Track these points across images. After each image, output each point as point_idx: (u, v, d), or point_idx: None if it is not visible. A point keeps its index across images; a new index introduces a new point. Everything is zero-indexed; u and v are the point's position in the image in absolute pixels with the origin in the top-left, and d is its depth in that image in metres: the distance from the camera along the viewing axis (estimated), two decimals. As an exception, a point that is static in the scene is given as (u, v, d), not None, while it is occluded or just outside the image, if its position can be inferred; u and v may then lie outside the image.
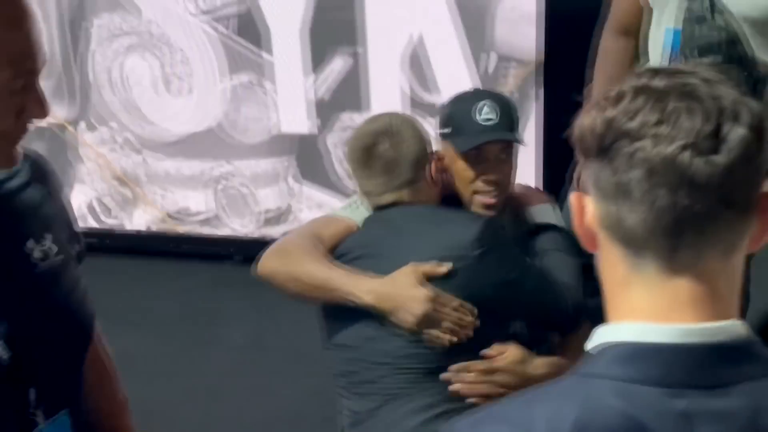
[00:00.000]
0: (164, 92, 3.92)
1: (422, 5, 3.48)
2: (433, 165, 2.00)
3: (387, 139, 1.95)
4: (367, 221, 2.01)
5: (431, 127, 3.51)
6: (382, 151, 1.94)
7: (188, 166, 4.01)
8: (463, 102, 2.08)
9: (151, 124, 3.99)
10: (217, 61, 3.80)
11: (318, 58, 3.67)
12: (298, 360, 3.25)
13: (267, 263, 1.99)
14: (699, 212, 0.86)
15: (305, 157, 3.85)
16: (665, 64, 2.58)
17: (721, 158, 0.86)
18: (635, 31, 2.66)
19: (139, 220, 4.17)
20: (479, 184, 2.02)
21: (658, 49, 2.58)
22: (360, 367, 1.93)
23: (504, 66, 3.48)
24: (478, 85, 3.47)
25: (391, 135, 1.95)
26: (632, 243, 0.90)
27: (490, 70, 3.49)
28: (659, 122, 0.86)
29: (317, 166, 3.84)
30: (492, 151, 2.01)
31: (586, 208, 0.94)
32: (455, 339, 1.83)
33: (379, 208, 1.99)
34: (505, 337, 1.92)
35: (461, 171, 2.03)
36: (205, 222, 4.08)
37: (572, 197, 0.96)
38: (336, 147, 3.78)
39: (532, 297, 1.94)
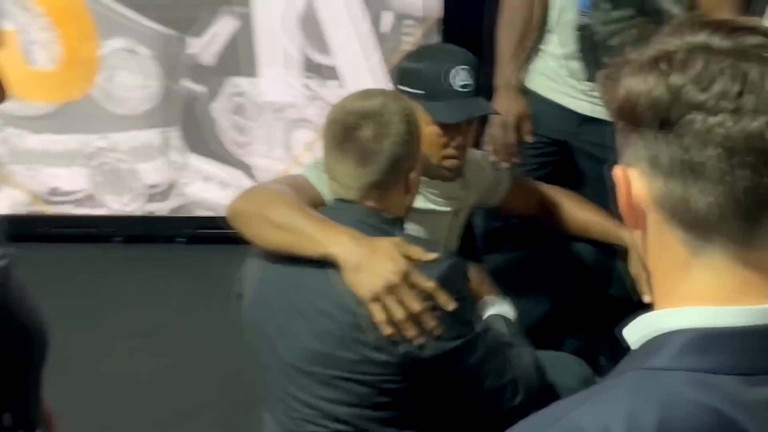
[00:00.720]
0: (27, 61, 3.57)
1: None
2: (413, 174, 1.77)
3: (372, 125, 1.68)
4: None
5: (329, 91, 3.38)
6: (362, 137, 1.68)
7: (57, 142, 3.67)
8: (437, 63, 1.97)
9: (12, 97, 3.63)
10: (86, 25, 3.48)
11: (201, 19, 3.42)
12: (205, 343, 3.04)
13: (236, 202, 1.81)
14: None
15: (190, 126, 3.59)
16: (576, 15, 2.50)
17: None
18: None
19: (3, 204, 3.80)
20: (450, 150, 1.97)
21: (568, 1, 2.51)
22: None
23: (401, 24, 3.34)
24: (374, 45, 3.33)
25: (379, 122, 1.69)
26: (699, 226, 0.80)
27: (387, 29, 3.34)
28: (740, 94, 0.76)
29: (203, 135, 3.59)
30: (470, 120, 1.98)
31: (633, 184, 0.83)
32: (392, 333, 1.59)
33: (338, 200, 1.75)
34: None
35: (433, 136, 1.95)
36: (80, 202, 3.76)
37: (617, 170, 0.85)
38: (222, 115, 3.55)
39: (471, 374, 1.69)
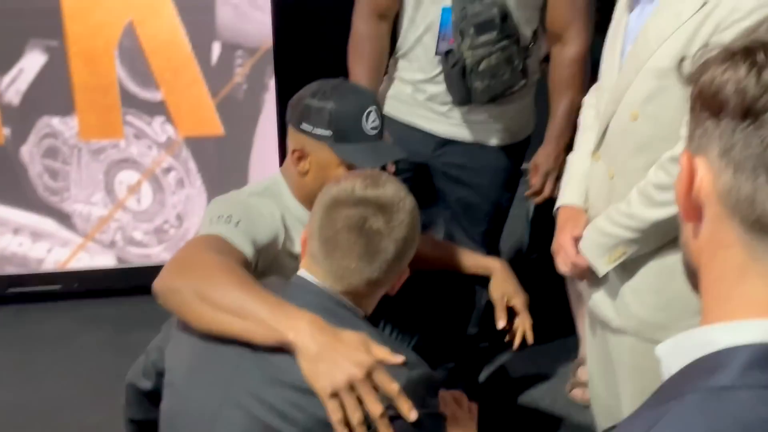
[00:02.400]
0: None
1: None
2: (401, 276, 1.61)
3: (382, 216, 1.52)
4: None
5: (156, 129, 3.14)
6: (370, 229, 1.52)
7: None
8: (348, 103, 1.87)
9: None
10: None
11: (4, 54, 3.08)
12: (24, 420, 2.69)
13: (166, 276, 1.57)
14: None
15: (-5, 173, 3.22)
16: (435, 41, 2.47)
17: None
18: (391, 15, 2.54)
19: None
20: None
21: (430, 24, 2.47)
22: None
23: (230, 55, 3.15)
24: (203, 77, 3.12)
25: (388, 213, 1.53)
26: (763, 229, 0.75)
27: (214, 60, 3.14)
28: None
29: (11, 182, 3.23)
30: None
31: (698, 174, 0.78)
32: None
33: (302, 278, 1.56)
34: None
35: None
36: None
37: (682, 156, 0.80)
38: (33, 159, 3.21)
39: None
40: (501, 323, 2.13)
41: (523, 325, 2.14)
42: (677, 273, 1.91)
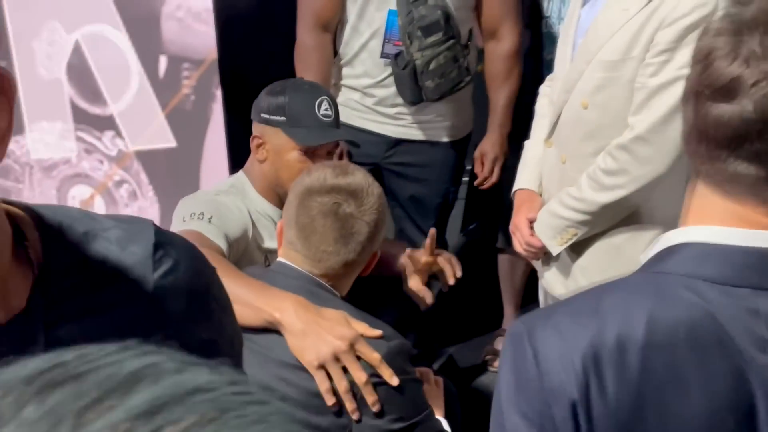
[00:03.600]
0: None
1: (76, 7, 3.10)
2: (374, 257, 1.75)
3: (353, 201, 1.66)
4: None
5: (107, 143, 3.21)
6: (347, 214, 1.66)
7: None
8: (302, 93, 2.07)
9: None
10: None
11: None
12: None
13: None
14: None
15: (-54, 195, 3.24)
16: (381, 45, 2.59)
17: None
18: (334, 25, 2.66)
19: None
20: None
21: (377, 30, 2.60)
22: None
23: (176, 67, 3.23)
24: (151, 90, 3.19)
25: (361, 200, 1.67)
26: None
27: (162, 73, 3.22)
28: None
29: (-37, 204, 3.25)
30: (327, 146, 2.07)
31: None
32: (334, 403, 1.55)
33: (283, 264, 1.67)
34: None
35: (294, 162, 2.02)
36: None
37: None
38: (-15, 181, 3.24)
39: None
40: (429, 300, 2.20)
41: (448, 256, 2.23)
42: (623, 252, 2.11)
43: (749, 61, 0.90)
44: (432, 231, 2.19)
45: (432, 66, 2.51)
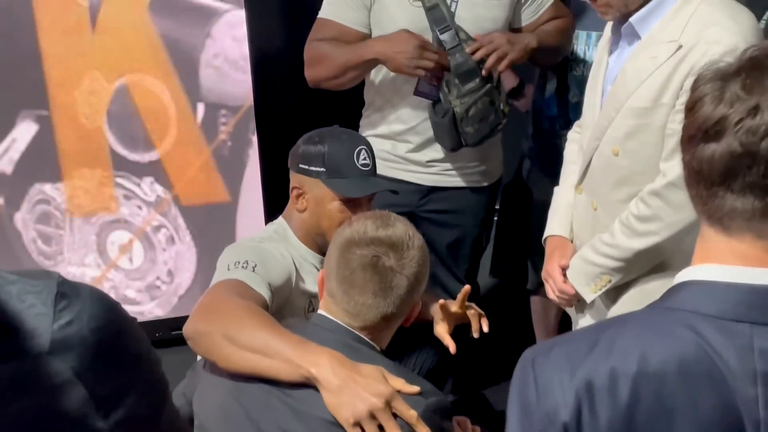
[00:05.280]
0: None
1: (121, 56, 3.18)
2: (417, 307, 1.74)
3: (393, 255, 1.65)
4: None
5: (148, 188, 3.25)
6: (387, 267, 1.64)
7: None
8: (340, 143, 2.05)
9: None
10: None
11: (-3, 125, 3.18)
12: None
13: (195, 320, 1.69)
14: None
15: (-10, 241, 3.30)
16: (416, 83, 2.59)
17: None
18: None
19: None
20: None
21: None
22: None
23: (214, 114, 3.28)
24: (193, 137, 3.25)
25: (402, 253, 1.65)
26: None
27: (200, 119, 3.28)
28: None
29: (6, 248, 3.30)
30: (368, 196, 2.05)
31: None
32: None
33: (322, 317, 1.68)
34: None
35: (335, 212, 2.02)
36: None
37: None
38: (27, 225, 3.30)
39: None
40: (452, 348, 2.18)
41: (477, 311, 2.21)
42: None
43: (733, 103, 0.98)
44: (466, 288, 2.17)
45: (471, 112, 2.51)
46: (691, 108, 1.04)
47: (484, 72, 2.49)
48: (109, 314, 0.88)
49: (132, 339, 0.90)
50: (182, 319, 2.53)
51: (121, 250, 3.37)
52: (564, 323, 3.09)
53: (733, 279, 1.02)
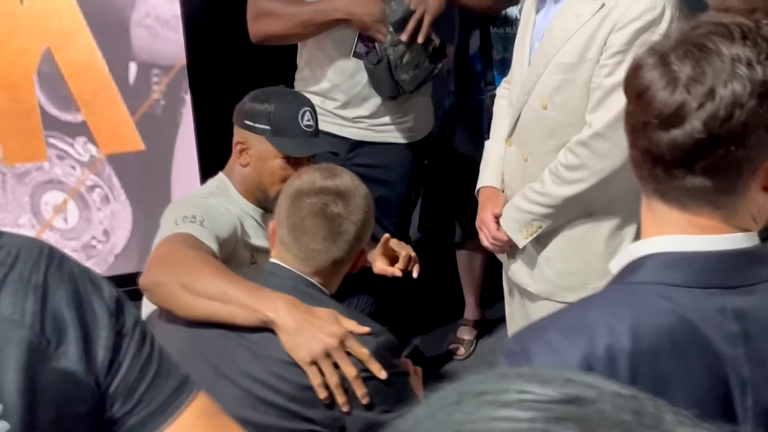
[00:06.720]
0: None
1: (51, 16, 3.15)
2: (361, 255, 1.84)
3: (341, 202, 1.74)
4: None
5: (79, 149, 3.25)
6: (335, 214, 1.74)
7: None
8: (286, 103, 2.13)
9: None
10: None
11: None
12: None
13: (150, 272, 1.75)
14: None
15: None
16: (353, 44, 2.66)
17: None
18: None
19: None
20: None
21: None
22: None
23: (146, 73, 3.29)
24: (121, 96, 3.26)
25: (348, 200, 1.75)
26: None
27: (132, 79, 3.28)
28: None
29: (-63, 212, 3.29)
30: (309, 156, 2.14)
31: None
32: (327, 396, 1.64)
33: (275, 265, 1.76)
34: None
35: (276, 169, 2.10)
36: None
37: None
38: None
39: None
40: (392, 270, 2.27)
41: (408, 253, 2.29)
42: (584, 242, 2.21)
43: (689, 87, 1.00)
44: (386, 236, 2.29)
45: (405, 59, 2.59)
46: (639, 95, 1.05)
47: (411, 24, 2.57)
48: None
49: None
50: (119, 278, 2.58)
51: (55, 211, 3.37)
52: (488, 275, 3.23)
53: (695, 248, 1.05)
